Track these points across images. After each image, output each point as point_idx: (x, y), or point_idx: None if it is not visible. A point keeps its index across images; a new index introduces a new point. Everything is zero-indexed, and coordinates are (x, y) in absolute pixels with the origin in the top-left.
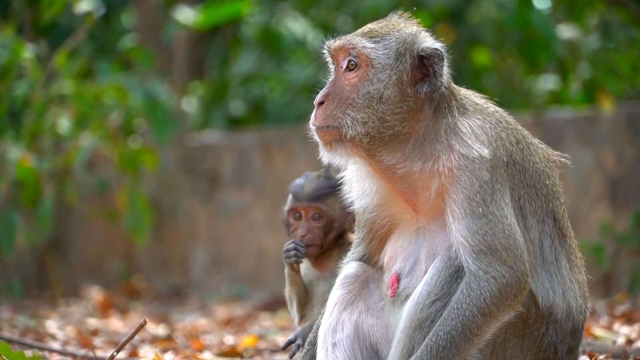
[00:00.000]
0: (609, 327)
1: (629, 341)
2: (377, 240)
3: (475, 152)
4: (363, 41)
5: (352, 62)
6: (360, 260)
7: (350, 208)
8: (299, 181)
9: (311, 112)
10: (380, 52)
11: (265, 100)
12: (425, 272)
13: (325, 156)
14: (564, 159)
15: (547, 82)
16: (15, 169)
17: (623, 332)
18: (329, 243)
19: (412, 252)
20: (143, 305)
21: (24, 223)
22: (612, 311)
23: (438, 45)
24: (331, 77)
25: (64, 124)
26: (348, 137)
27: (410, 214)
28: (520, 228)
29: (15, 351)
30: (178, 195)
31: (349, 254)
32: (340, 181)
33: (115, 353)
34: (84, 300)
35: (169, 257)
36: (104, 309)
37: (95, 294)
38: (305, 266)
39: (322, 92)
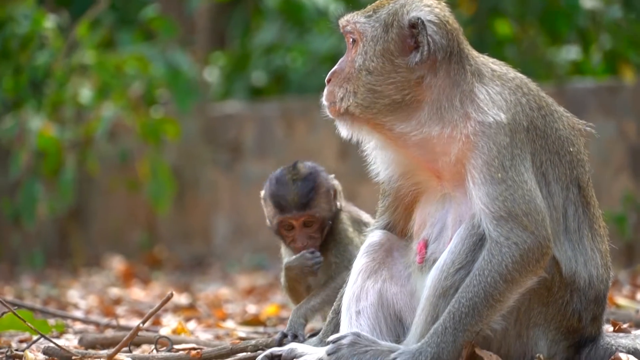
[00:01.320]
0: (632, 297)
1: None
2: (403, 208)
3: (492, 118)
4: (357, 17)
5: (351, 38)
6: (384, 228)
7: (376, 179)
8: (277, 189)
9: None
10: (369, 26)
11: (287, 70)
12: (451, 238)
13: (341, 132)
14: (589, 128)
15: (569, 53)
16: (37, 139)
17: None
18: (327, 229)
19: (439, 218)
20: (165, 275)
21: (45, 193)
22: (635, 280)
23: (423, 13)
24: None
25: (86, 94)
26: (343, 110)
27: (435, 181)
28: (543, 194)
29: (38, 319)
30: (200, 165)
31: (373, 222)
32: (312, 173)
33: (141, 324)
34: (106, 270)
35: (191, 226)
36: (126, 279)
37: (117, 263)
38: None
39: (331, 70)
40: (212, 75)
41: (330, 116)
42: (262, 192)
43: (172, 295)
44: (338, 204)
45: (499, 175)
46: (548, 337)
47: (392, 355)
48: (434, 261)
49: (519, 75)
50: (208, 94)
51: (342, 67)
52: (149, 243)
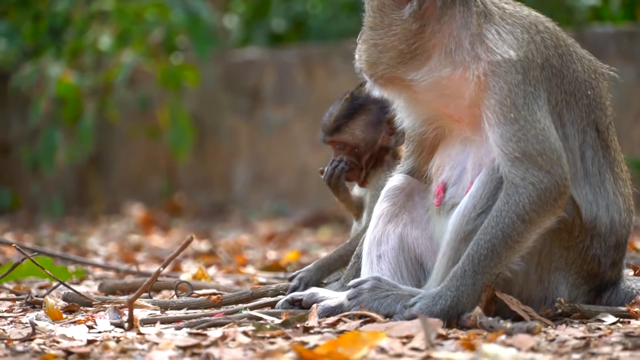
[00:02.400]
0: None
1: None
2: (427, 152)
3: (500, 57)
4: None
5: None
6: (409, 173)
7: (400, 127)
8: (329, 110)
9: (352, 28)
10: None
11: (307, 16)
12: (472, 182)
13: (373, 91)
14: (612, 73)
15: None
16: (56, 86)
17: None
18: (368, 162)
19: (459, 162)
20: (185, 222)
21: (64, 140)
22: None
23: None
24: None
25: (105, 40)
26: (361, 69)
27: (456, 125)
28: (559, 135)
29: (58, 266)
30: (219, 112)
31: (398, 167)
32: (362, 101)
33: (161, 268)
34: (125, 218)
35: (211, 174)
36: (146, 226)
37: (137, 211)
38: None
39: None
40: (231, 21)
41: (363, 76)
42: None
43: (192, 238)
44: (392, 140)
45: (512, 115)
46: (569, 281)
47: (413, 300)
48: (453, 205)
49: (534, 13)
50: (228, 41)
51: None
52: (169, 190)
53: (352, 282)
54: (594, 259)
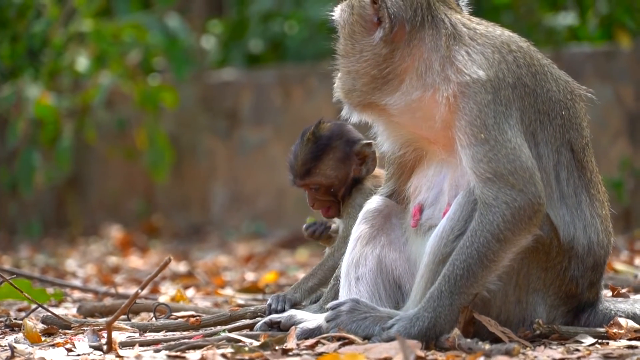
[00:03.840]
0: (630, 262)
1: None
2: (407, 175)
3: (469, 77)
4: (338, 6)
5: (335, 26)
6: (389, 196)
7: (381, 150)
8: (294, 148)
9: (329, 49)
10: (340, 11)
11: (284, 37)
12: (448, 204)
13: (352, 117)
14: (589, 94)
15: (566, 19)
16: (34, 108)
17: None
18: (344, 196)
19: (435, 183)
20: (163, 243)
21: (43, 162)
22: (632, 246)
23: None
24: None
25: (83, 62)
26: (339, 98)
27: (433, 147)
28: (532, 154)
29: (36, 288)
30: (197, 133)
31: (379, 189)
32: (326, 140)
33: (139, 290)
34: (104, 239)
35: (189, 195)
36: (124, 248)
37: (115, 232)
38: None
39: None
40: (209, 42)
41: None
42: None
43: (169, 260)
44: (364, 170)
45: (482, 135)
46: (547, 302)
47: (391, 322)
48: (430, 227)
49: (508, 33)
50: (205, 62)
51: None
52: (147, 211)
53: (330, 304)
54: (572, 280)
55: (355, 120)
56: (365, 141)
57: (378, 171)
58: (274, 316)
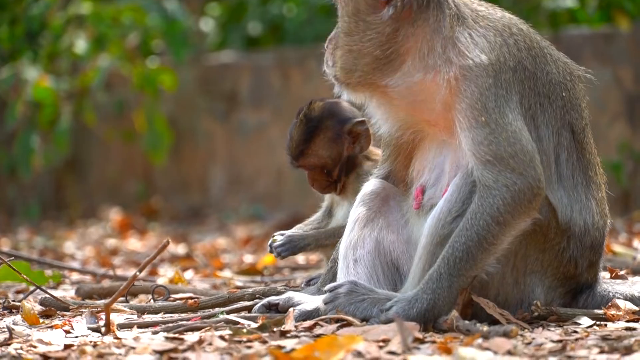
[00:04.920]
0: (628, 244)
1: None
2: (403, 157)
3: (471, 61)
4: None
5: (334, 4)
6: (385, 177)
7: (378, 132)
8: (290, 129)
9: (328, 32)
10: None
11: (283, 20)
12: (448, 185)
13: (345, 95)
14: (588, 75)
15: (565, 1)
16: (33, 90)
17: None
18: (340, 174)
19: (436, 164)
20: (161, 225)
21: (41, 144)
22: (631, 228)
23: None
24: None
25: (82, 44)
26: (335, 77)
27: (433, 129)
28: (532, 137)
29: (35, 270)
30: (196, 116)
31: (375, 171)
32: (316, 121)
33: (138, 272)
34: (102, 221)
35: (187, 177)
36: (122, 230)
37: (114, 214)
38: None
39: (328, 38)
40: (207, 25)
41: (333, 83)
42: None
43: (168, 242)
44: (358, 147)
45: (483, 118)
46: (545, 283)
47: (389, 304)
48: (432, 207)
49: (508, 15)
50: (204, 44)
51: (334, 34)
52: (146, 194)
53: (328, 286)
54: (570, 260)
55: (346, 99)
56: (357, 119)
57: (376, 153)
58: (272, 298)
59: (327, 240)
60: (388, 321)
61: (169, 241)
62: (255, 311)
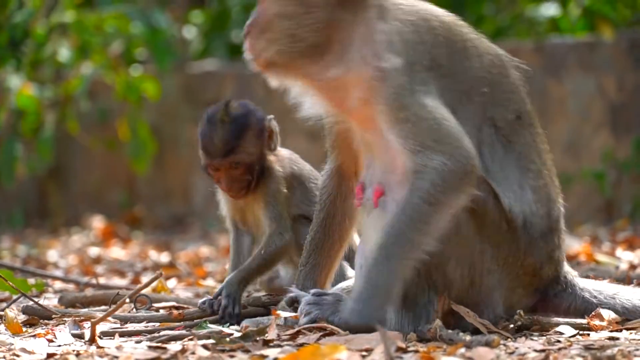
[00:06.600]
0: (612, 253)
1: (632, 266)
2: (346, 148)
3: (385, 63)
4: None
5: None
6: (336, 168)
7: (307, 124)
8: (206, 131)
9: None
10: None
11: None
12: (379, 184)
13: (271, 83)
14: (524, 66)
15: (548, 10)
16: (16, 98)
17: (625, 258)
18: (257, 173)
19: (370, 161)
20: (144, 234)
21: (24, 152)
22: (614, 237)
23: None
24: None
25: (65, 53)
26: (267, 61)
27: (359, 124)
28: None
29: (18, 278)
30: (179, 124)
31: (327, 164)
32: (243, 118)
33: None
34: (86, 230)
35: (171, 186)
36: (106, 238)
37: (97, 223)
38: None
39: (247, 23)
40: (191, 33)
41: (257, 69)
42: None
43: (161, 274)
44: (272, 145)
45: (402, 115)
46: (504, 284)
47: (341, 307)
48: (370, 207)
49: (432, 8)
50: (187, 53)
51: (259, 17)
52: (129, 202)
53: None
54: (525, 254)
55: (275, 86)
56: (270, 116)
57: (281, 154)
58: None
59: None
60: (346, 323)
61: (162, 273)
62: (282, 305)
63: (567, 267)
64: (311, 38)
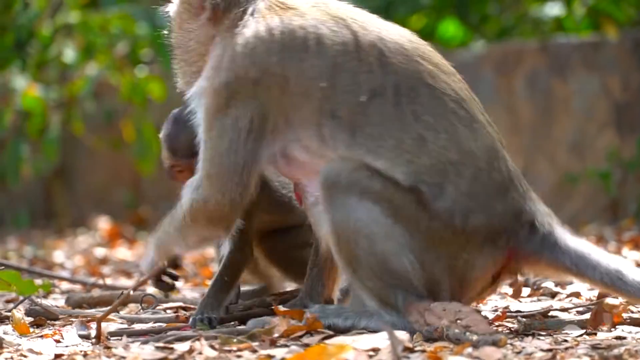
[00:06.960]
0: (618, 253)
1: (638, 265)
2: None
3: (205, 82)
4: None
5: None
6: None
7: None
8: (172, 131)
9: None
10: (171, 6)
11: None
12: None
13: None
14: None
15: (552, 9)
16: (22, 99)
17: (631, 257)
18: None
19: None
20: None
21: (30, 153)
22: (620, 237)
23: None
24: None
25: (70, 53)
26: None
27: None
28: (256, 146)
29: (25, 279)
30: None
31: None
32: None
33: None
34: (91, 230)
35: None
36: (112, 239)
37: (103, 223)
38: None
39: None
40: None
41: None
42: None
43: (164, 265)
44: None
45: (205, 136)
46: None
47: None
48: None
49: (288, 15)
50: None
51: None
52: (134, 203)
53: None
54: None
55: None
56: None
57: None
58: None
59: None
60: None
61: (164, 263)
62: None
63: (545, 218)
64: (195, 58)
